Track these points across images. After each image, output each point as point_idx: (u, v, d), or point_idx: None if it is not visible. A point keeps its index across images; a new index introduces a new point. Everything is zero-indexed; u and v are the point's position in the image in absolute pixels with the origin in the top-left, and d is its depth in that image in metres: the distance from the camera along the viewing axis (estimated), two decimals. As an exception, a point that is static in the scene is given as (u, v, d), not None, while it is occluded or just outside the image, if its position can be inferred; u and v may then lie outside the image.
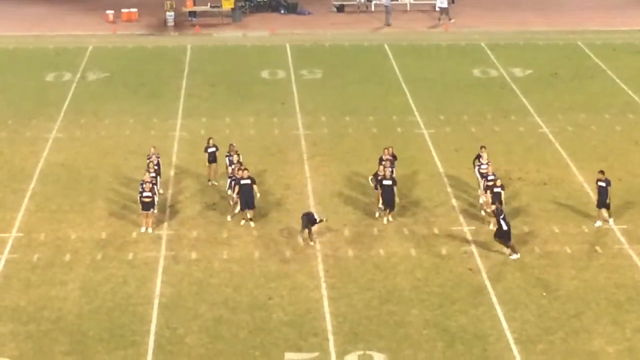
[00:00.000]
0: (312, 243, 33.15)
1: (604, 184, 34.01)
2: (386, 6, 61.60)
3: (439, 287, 30.72)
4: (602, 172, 34.32)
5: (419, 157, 40.44)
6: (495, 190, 33.70)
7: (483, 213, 34.88)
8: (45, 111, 45.58)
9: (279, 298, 30.13)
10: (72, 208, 35.90)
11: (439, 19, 61.75)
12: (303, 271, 31.67)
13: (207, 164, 37.39)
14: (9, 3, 66.63)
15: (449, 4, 61.94)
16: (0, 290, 30.51)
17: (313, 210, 34.34)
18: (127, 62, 53.83)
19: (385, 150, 36.53)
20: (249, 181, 34.09)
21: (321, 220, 33.30)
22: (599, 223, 34.50)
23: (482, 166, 35.65)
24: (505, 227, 32.09)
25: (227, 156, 36.19)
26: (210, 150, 37.26)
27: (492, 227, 33.54)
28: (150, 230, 33.93)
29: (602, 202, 34.16)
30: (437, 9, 63.37)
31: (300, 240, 33.08)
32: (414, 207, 35.89)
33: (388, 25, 61.25)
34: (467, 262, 32.22)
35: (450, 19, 61.66)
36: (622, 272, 31.62)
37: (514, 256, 32.21)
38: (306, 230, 33.08)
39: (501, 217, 32.10)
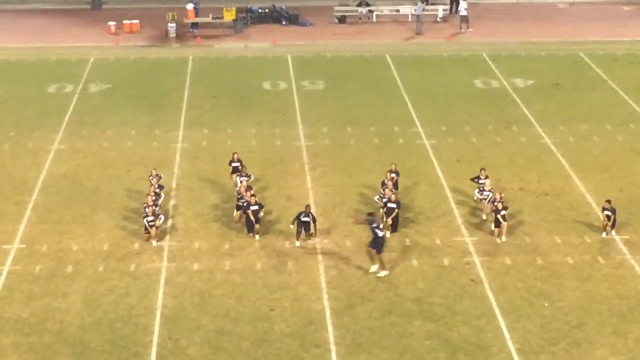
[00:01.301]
0: (297, 243, 33.56)
1: (609, 213, 34.22)
2: (418, 15, 61.75)
3: (441, 298, 30.69)
4: (608, 201, 34.54)
5: (421, 168, 40.43)
6: (501, 214, 33.97)
7: (484, 217, 35.43)
8: (47, 123, 45.58)
9: (281, 309, 30.10)
10: (74, 219, 35.90)
11: (460, 27, 62.20)
12: (305, 282, 31.65)
13: (231, 175, 38.31)
14: (10, 15, 66.77)
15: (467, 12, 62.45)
16: (2, 301, 30.50)
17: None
18: (129, 73, 53.87)
19: (388, 174, 36.48)
20: (257, 207, 34.36)
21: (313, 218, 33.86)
22: (604, 234, 34.53)
23: (485, 192, 35.78)
24: (380, 234, 31.56)
25: (237, 175, 37.14)
26: (234, 164, 38.24)
27: (484, 215, 35.10)
28: (154, 243, 33.91)
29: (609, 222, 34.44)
30: (439, 19, 64.15)
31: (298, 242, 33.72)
32: (416, 218, 35.87)
33: (420, 34, 61.44)
34: (469, 273, 32.19)
35: (461, 28, 62.08)
36: (624, 283, 31.60)
37: (382, 273, 31.68)
38: (302, 231, 33.64)
39: (373, 225, 31.55)
